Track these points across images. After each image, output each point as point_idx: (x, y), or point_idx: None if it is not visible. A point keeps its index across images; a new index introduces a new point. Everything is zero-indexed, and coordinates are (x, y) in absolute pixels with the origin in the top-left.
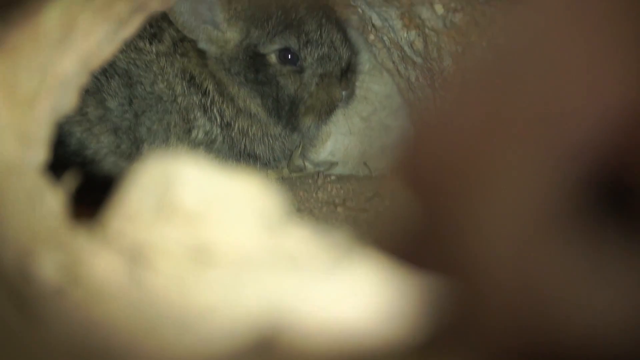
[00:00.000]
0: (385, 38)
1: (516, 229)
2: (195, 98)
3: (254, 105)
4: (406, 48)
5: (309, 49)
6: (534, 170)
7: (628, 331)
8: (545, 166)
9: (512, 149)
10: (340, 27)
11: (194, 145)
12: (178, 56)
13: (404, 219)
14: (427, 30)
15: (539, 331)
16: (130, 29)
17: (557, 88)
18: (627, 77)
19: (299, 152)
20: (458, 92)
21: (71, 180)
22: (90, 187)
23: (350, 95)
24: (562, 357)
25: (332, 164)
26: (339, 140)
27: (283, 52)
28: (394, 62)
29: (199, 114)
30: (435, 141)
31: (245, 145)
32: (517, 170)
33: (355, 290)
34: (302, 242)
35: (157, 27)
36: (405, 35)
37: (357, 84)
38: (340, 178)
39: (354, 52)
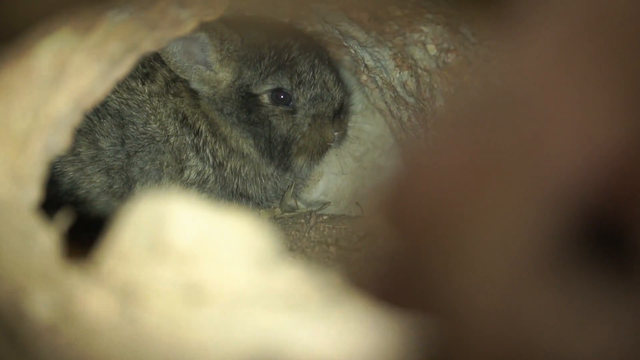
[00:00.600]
0: (377, 78)
1: (503, 269)
2: (187, 138)
3: (247, 146)
4: (399, 88)
5: (302, 90)
6: (520, 211)
7: None
8: (532, 206)
9: (500, 190)
10: (333, 67)
11: (187, 185)
12: (171, 96)
13: (394, 257)
14: (419, 71)
15: None
16: (122, 69)
17: (546, 130)
18: (616, 121)
19: (291, 192)
20: (448, 131)
21: (64, 220)
22: (83, 226)
23: (343, 136)
24: None
25: (325, 204)
26: (332, 180)
27: (275, 93)
28: (386, 103)
29: (191, 154)
30: (424, 180)
31: (237, 185)
32: (504, 210)
33: (347, 330)
34: (294, 281)
35: (149, 67)
36: (397, 75)
37: (350, 124)
38: (332, 218)
39: (346, 92)
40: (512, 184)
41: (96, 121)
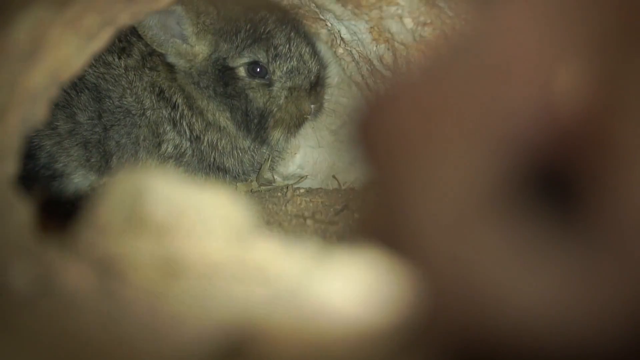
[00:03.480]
0: (354, 52)
1: (452, 208)
2: (164, 112)
3: (223, 119)
4: (375, 62)
5: (278, 63)
6: (473, 151)
7: (561, 317)
8: (485, 148)
9: (456, 130)
10: (309, 40)
11: (164, 158)
12: (147, 70)
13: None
14: (396, 44)
15: (475, 311)
16: (99, 42)
17: (504, 78)
18: (574, 72)
19: (268, 165)
20: (415, 74)
21: (41, 193)
22: (60, 199)
23: (319, 109)
24: (498, 342)
25: (301, 177)
26: (308, 154)
27: (252, 66)
28: (362, 76)
29: (168, 128)
30: (390, 113)
31: (214, 159)
32: (458, 149)
33: (323, 299)
34: (271, 254)
35: (126, 41)
36: (374, 48)
37: (326, 97)
38: (309, 191)
39: (323, 65)
40: (468, 125)
41: (73, 95)
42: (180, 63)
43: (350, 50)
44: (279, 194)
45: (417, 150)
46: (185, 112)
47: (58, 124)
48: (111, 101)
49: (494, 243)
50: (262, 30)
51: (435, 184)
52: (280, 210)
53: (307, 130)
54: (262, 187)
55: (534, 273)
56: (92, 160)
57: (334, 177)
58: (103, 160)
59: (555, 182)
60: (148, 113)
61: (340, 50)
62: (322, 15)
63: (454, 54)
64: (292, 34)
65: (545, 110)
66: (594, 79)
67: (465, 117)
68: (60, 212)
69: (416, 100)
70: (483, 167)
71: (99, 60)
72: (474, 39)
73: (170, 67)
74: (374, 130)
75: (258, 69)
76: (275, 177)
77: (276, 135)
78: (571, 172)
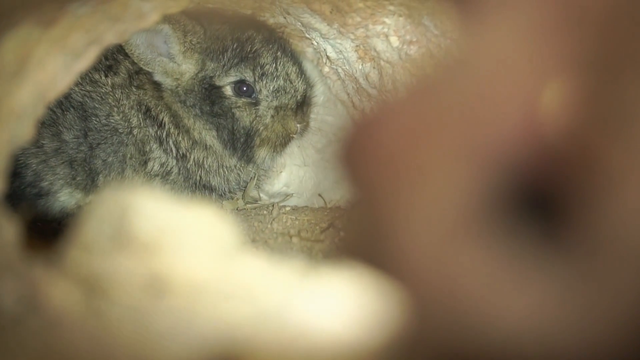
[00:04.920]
0: (340, 70)
1: (438, 224)
2: (151, 130)
3: (210, 137)
4: (361, 80)
5: (264, 82)
6: (458, 169)
7: (547, 333)
8: (470, 165)
9: (441, 148)
10: (296, 59)
11: (150, 177)
12: (134, 88)
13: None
14: (382, 63)
15: (463, 332)
16: (85, 61)
17: (490, 96)
18: (560, 91)
19: (254, 183)
20: (402, 93)
21: (27, 211)
22: (46, 218)
23: (305, 128)
24: (487, 357)
25: (287, 195)
26: (294, 172)
27: (238, 85)
28: (348, 94)
29: (154, 146)
30: (377, 132)
31: (200, 177)
32: (443, 167)
33: (309, 318)
34: (256, 272)
35: (112, 59)
36: (360, 67)
37: (312, 116)
38: (295, 209)
39: (309, 84)
40: (453, 145)
41: (59, 113)
42: (166, 81)
43: (336, 69)
44: (265, 212)
45: (402, 170)
46: (172, 130)
47: (44, 142)
48: (97, 119)
49: (479, 261)
50: (248, 50)
51: (421, 203)
52: (266, 228)
53: (293, 148)
54: (248, 205)
55: (519, 290)
56: (78, 178)
57: (319, 195)
58: (89, 179)
59: (540, 201)
60: (135, 131)
61: (326, 69)
62: (308, 34)
63: (439, 73)
64: (278, 53)
65: (530, 129)
66: (580, 97)
67: (451, 136)
68: (46, 230)
69: (401, 119)
70: (468, 186)
71: (86, 79)
72: (459, 59)
73: (157, 86)
74: (359, 150)
75: (244, 88)
76: (261, 195)
77: (262, 154)
78: (556, 190)
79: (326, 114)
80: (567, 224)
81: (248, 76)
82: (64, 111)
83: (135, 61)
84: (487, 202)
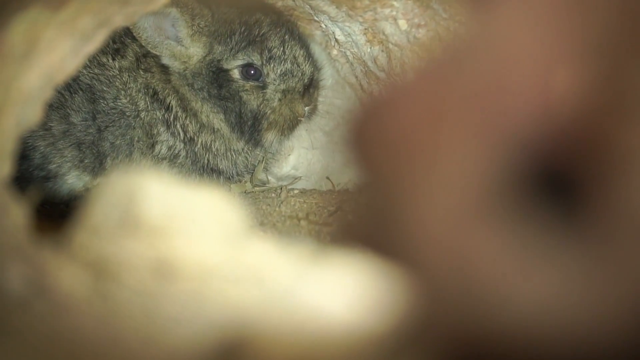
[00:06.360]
0: (348, 53)
1: (454, 206)
2: (158, 113)
3: (217, 121)
4: (369, 63)
5: (272, 65)
6: (474, 150)
7: (561, 317)
8: (486, 147)
9: (457, 128)
10: (304, 42)
11: (158, 160)
12: (141, 71)
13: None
14: (390, 46)
15: (474, 312)
16: (94, 44)
17: (506, 77)
18: (575, 71)
19: (262, 166)
20: (416, 73)
21: (35, 194)
22: (54, 200)
23: (313, 111)
24: (498, 343)
25: (295, 178)
26: (302, 155)
27: (246, 68)
28: (356, 77)
29: (162, 129)
30: (390, 113)
31: (208, 160)
32: (459, 148)
33: (318, 303)
34: (265, 255)
35: (120, 42)
36: (368, 50)
37: (320, 99)
38: (303, 192)
39: (317, 67)
40: (465, 127)
41: (67, 96)
42: (174, 65)
43: (345, 52)
44: (273, 195)
45: (413, 152)
46: (179, 113)
47: (52, 124)
48: (105, 102)
49: (493, 243)
50: (256, 33)
51: (433, 186)
52: (274, 211)
53: (301, 131)
54: (256, 188)
55: (534, 273)
56: (86, 161)
57: (327, 178)
58: (97, 161)
59: (555, 183)
60: (142, 114)
61: (335, 52)
62: (317, 17)
63: (450, 56)
64: (286, 36)
65: (544, 112)
66: (593, 81)
67: (463, 119)
68: (54, 213)
69: (414, 101)
70: (482, 168)
71: (93, 62)
72: (470, 42)
73: (165, 69)
74: (368, 132)
75: (252, 71)
76: (269, 178)
77: (270, 137)
78: (571, 173)
79: (334, 97)
80: (582, 206)
81: (255, 59)
82: (72, 94)
83: (143, 44)
84: (501, 184)
